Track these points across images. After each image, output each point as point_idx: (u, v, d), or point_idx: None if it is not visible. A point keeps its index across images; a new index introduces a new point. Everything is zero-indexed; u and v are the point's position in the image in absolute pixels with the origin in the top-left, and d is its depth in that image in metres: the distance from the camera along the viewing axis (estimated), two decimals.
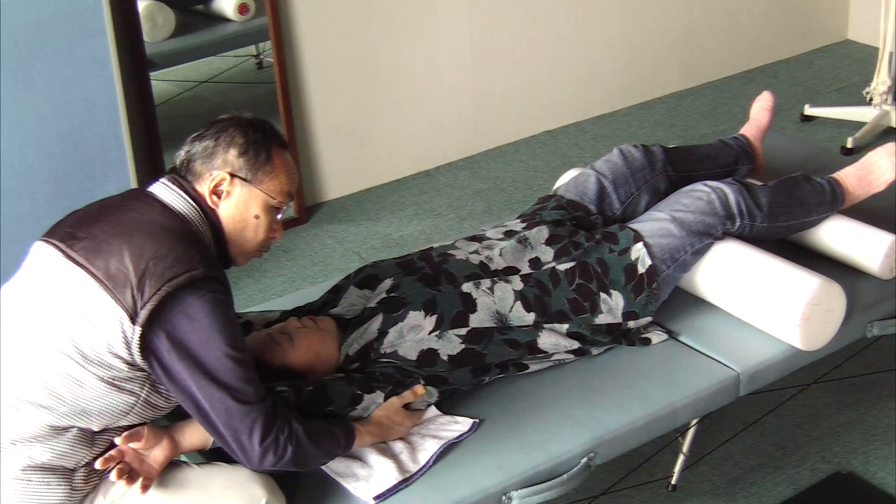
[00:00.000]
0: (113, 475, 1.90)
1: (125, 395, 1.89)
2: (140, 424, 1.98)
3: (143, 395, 1.91)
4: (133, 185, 3.43)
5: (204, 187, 2.02)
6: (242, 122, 2.06)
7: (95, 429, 1.92)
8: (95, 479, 1.95)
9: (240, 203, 2.03)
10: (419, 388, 2.20)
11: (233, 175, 2.02)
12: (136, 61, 3.69)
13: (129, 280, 1.84)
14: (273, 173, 2.05)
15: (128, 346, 1.84)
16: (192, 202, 1.99)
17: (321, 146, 4.21)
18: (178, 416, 2.07)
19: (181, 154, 2.06)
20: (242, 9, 4.08)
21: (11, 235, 3.23)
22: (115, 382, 1.87)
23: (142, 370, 1.88)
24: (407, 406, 2.19)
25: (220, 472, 1.99)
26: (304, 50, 4.05)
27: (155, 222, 1.94)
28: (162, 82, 3.92)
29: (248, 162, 2.02)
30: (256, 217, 2.05)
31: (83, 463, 1.93)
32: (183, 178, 2.03)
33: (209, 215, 2.01)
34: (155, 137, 3.75)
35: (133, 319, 1.83)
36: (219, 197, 2.02)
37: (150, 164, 3.74)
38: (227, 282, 1.96)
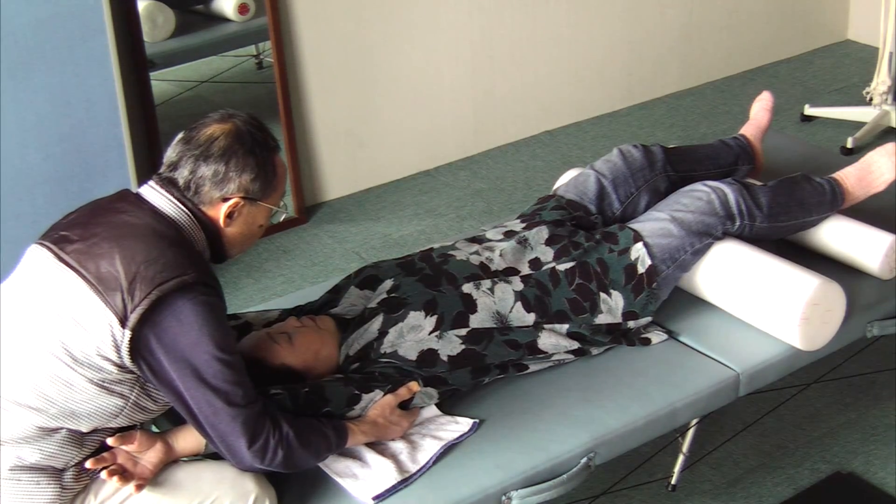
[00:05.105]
0: (104, 474, 1.90)
1: (115, 398, 1.89)
2: (131, 427, 1.98)
3: (132, 397, 1.91)
4: (133, 185, 3.43)
5: (217, 212, 2.01)
6: (245, 140, 2.01)
7: (85, 430, 1.91)
8: (86, 479, 1.95)
9: (248, 219, 2.05)
10: (414, 385, 2.20)
11: (245, 198, 2.02)
12: (136, 61, 3.69)
13: (120, 284, 1.84)
14: (277, 184, 2.07)
15: (117, 349, 1.84)
16: (182, 207, 1.98)
17: (321, 146, 4.21)
18: (175, 422, 2.07)
19: (172, 156, 2.01)
20: (242, 9, 4.08)
21: (11, 235, 3.23)
22: (105, 385, 1.87)
23: (131, 372, 1.88)
24: (404, 405, 2.19)
25: (211, 468, 1.99)
26: (304, 50, 4.04)
27: (147, 226, 1.93)
28: (162, 82, 3.93)
29: (262, 184, 2.02)
30: (260, 226, 2.09)
31: (73, 463, 1.93)
32: (172, 183, 2.00)
33: (202, 220, 2.00)
34: (155, 137, 3.75)
35: (123, 323, 1.83)
36: (231, 219, 2.03)
37: (150, 164, 3.74)
38: (218, 286, 1.96)
